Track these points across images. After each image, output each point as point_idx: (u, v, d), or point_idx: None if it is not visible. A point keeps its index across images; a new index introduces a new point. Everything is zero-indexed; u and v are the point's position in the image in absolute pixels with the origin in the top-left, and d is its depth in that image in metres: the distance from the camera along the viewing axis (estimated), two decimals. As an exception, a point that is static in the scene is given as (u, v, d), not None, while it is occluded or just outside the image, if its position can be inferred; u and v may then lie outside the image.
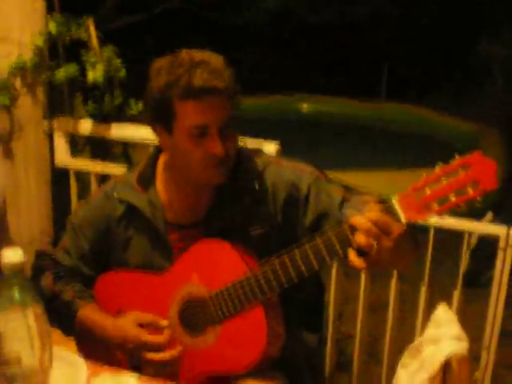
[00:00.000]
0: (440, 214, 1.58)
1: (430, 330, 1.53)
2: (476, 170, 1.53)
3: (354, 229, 1.62)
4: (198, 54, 1.80)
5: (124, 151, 3.33)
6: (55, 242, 2.12)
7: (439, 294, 3.00)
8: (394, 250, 1.60)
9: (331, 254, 1.69)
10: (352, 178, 3.11)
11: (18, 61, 3.10)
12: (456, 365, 1.39)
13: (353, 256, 1.61)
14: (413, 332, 2.82)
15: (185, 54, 1.80)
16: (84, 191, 3.36)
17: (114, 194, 1.99)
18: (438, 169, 1.58)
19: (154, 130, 1.89)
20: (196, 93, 1.74)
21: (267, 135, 2.71)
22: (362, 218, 1.60)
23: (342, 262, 1.75)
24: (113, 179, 2.10)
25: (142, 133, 3.11)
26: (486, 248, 4.60)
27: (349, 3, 10.83)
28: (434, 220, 2.48)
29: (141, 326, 1.88)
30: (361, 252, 1.62)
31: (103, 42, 3.15)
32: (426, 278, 2.72)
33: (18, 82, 3.16)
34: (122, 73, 3.13)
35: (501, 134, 7.86)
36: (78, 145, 3.40)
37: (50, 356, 1.19)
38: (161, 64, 1.81)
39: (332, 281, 2.82)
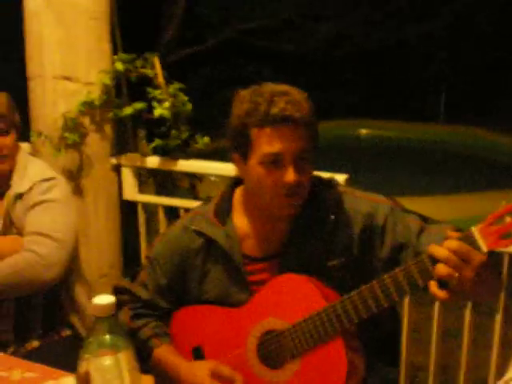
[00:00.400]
0: (522, 242, 1.55)
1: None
2: None
3: (433, 259, 1.60)
4: (280, 86, 1.84)
5: (191, 185, 3.36)
6: (127, 275, 2.15)
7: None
8: (475, 280, 1.57)
9: (411, 286, 1.67)
10: (417, 204, 3.06)
11: (87, 99, 3.17)
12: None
13: (434, 287, 1.59)
14: (486, 363, 2.77)
15: (268, 85, 1.85)
16: (151, 225, 3.41)
17: (192, 227, 2.01)
18: (517, 197, 1.55)
19: (233, 158, 1.92)
20: (272, 120, 1.76)
21: (329, 162, 2.69)
22: (442, 247, 1.58)
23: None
24: (190, 212, 2.11)
25: (209, 167, 3.16)
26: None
27: (402, 24, 10.75)
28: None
29: (215, 376, 1.88)
30: (442, 283, 1.59)
31: (168, 78, 3.21)
32: (501, 307, 2.66)
33: (86, 120, 3.24)
34: (188, 107, 3.17)
35: None
36: (143, 180, 3.45)
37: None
38: (244, 94, 1.86)
39: (405, 310, 2.78)
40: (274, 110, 1.76)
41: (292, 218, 1.90)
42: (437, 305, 2.76)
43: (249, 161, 1.84)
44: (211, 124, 3.50)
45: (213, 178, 3.86)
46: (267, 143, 1.78)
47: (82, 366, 1.13)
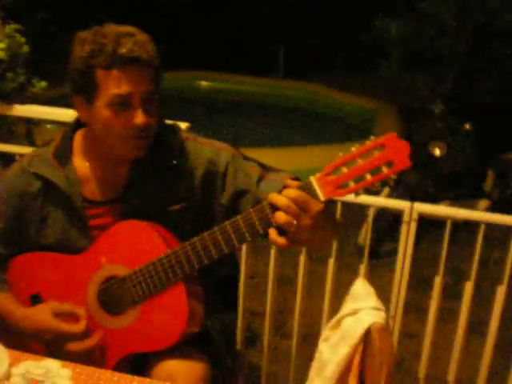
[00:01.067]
0: (356, 191, 1.63)
1: (349, 304, 1.58)
2: (390, 151, 1.58)
3: (273, 207, 1.64)
4: (124, 27, 1.81)
5: (27, 131, 3.25)
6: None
7: (345, 267, 3.11)
8: (313, 228, 1.63)
9: (251, 233, 1.70)
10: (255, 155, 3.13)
11: None
12: (376, 334, 1.45)
13: (273, 234, 1.63)
14: (319, 308, 2.90)
15: (110, 27, 1.81)
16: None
17: (30, 169, 1.95)
18: (353, 149, 1.62)
19: (74, 102, 1.86)
20: (120, 61, 1.74)
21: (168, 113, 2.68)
22: (282, 195, 1.62)
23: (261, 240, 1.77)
24: (28, 154, 2.04)
25: (46, 112, 3.06)
26: (381, 223, 4.81)
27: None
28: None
29: (57, 315, 1.86)
30: (281, 230, 1.65)
31: (4, 19, 3.06)
32: (334, 253, 2.79)
33: None
34: (25, 49, 3.05)
35: (396, 109, 8.09)
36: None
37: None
38: (85, 35, 1.80)
39: (242, 257, 2.85)
40: (122, 51, 1.73)
41: (135, 161, 1.89)
42: (273, 252, 2.85)
43: (94, 104, 1.80)
44: (49, 69, 3.38)
45: (49, 126, 3.75)
46: (115, 85, 1.75)
47: None
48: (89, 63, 1.76)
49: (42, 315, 1.86)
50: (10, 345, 1.67)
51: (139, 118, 1.78)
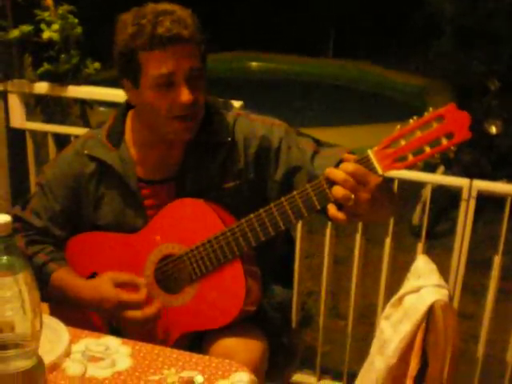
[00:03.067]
0: (415, 164, 1.59)
1: (411, 282, 1.55)
2: (450, 122, 1.55)
3: (330, 181, 1.62)
4: (163, 5, 1.79)
5: (82, 112, 3.27)
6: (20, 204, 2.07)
7: (401, 247, 3.07)
8: (372, 202, 1.60)
9: (308, 208, 1.69)
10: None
11: (-29, 20, 3.01)
12: (440, 311, 1.41)
13: (332, 209, 1.61)
14: (374, 289, 2.87)
15: (149, 6, 1.79)
16: (40, 155, 3.30)
17: (85, 151, 1.95)
18: (412, 121, 1.58)
19: (122, 85, 1.86)
20: (160, 42, 1.72)
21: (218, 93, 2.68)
22: (339, 170, 1.60)
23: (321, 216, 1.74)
24: (82, 136, 2.05)
25: (100, 93, 3.07)
26: (436, 202, 4.73)
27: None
28: (397, 173, 2.49)
29: (117, 285, 1.86)
30: (338, 205, 1.62)
31: (57, 0, 3.07)
32: (390, 232, 2.75)
33: (-31, 43, 3.07)
34: (78, 30, 3.06)
35: (449, 87, 7.95)
36: (31, 107, 3.32)
37: (41, 322, 1.16)
38: (125, 17, 1.79)
39: (297, 236, 2.83)
40: (160, 31, 1.71)
41: (187, 142, 1.88)
42: (328, 231, 2.83)
43: (140, 86, 1.80)
44: (102, 50, 3.40)
45: (102, 109, 3.77)
46: (157, 65, 1.74)
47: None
48: (130, 46, 1.76)
49: (102, 285, 1.86)
50: (70, 322, 1.68)
51: (184, 95, 1.76)
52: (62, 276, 1.93)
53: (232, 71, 9.85)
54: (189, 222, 1.85)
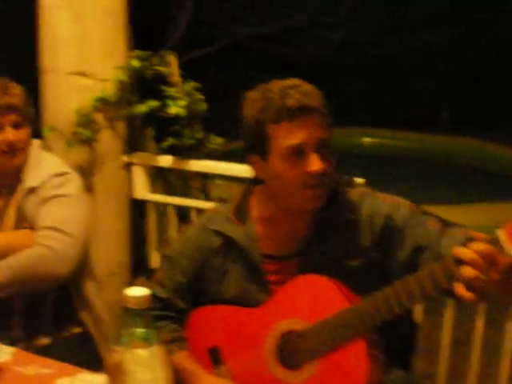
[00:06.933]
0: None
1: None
2: None
3: (458, 261, 1.58)
4: (288, 81, 1.85)
5: (202, 185, 3.35)
6: (136, 275, 2.12)
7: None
8: (502, 283, 1.56)
9: (435, 288, 1.65)
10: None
11: (102, 95, 3.15)
12: None
13: (461, 290, 1.58)
14: (497, 370, 2.74)
15: (275, 82, 1.85)
16: (161, 226, 3.38)
17: (211, 226, 1.99)
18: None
19: (250, 160, 1.91)
20: (289, 113, 1.76)
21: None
22: (468, 249, 1.57)
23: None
24: (208, 212, 2.10)
25: (222, 167, 3.14)
26: None
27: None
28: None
29: None
30: (467, 285, 1.58)
31: (184, 77, 3.20)
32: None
33: (100, 117, 3.22)
34: (203, 106, 3.16)
35: None
36: (154, 180, 3.43)
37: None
38: (253, 94, 1.86)
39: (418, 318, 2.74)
40: (290, 102, 1.76)
41: (313, 216, 1.89)
42: (448, 313, 2.74)
43: (269, 159, 1.83)
44: (222, 126, 3.48)
45: (219, 182, 3.85)
46: (287, 136, 1.78)
47: (114, 358, 1.10)
48: (259, 120, 1.80)
49: None
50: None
51: (314, 164, 1.78)
52: (181, 360, 1.97)
53: (344, 146, 9.88)
54: (312, 299, 1.83)
